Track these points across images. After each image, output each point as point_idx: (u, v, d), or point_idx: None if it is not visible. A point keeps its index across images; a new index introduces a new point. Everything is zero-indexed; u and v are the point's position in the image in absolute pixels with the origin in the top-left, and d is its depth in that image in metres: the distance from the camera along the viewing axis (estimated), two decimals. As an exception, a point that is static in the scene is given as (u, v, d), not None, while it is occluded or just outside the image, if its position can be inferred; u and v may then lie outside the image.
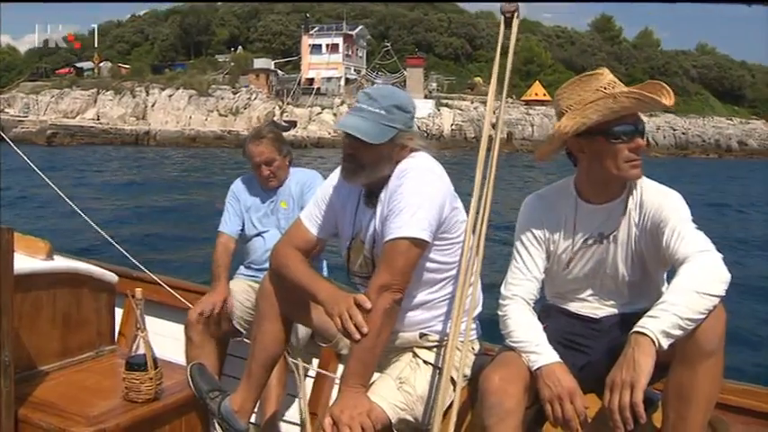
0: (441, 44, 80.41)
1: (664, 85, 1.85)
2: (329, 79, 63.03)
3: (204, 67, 66.52)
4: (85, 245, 7.88)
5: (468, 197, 2.01)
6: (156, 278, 3.36)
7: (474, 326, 2.13)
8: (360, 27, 70.02)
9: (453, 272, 2.04)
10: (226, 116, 57.28)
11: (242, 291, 2.97)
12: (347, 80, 64.24)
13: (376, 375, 2.03)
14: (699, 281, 1.64)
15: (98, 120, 55.44)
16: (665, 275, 2.00)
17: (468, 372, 2.09)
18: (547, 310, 2.10)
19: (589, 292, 2.03)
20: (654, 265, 1.93)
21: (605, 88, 1.86)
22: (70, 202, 3.64)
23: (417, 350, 2.08)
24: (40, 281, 2.39)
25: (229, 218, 3.11)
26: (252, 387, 2.18)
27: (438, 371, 2.02)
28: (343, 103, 57.52)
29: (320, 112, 58.24)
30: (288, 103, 58.49)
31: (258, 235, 3.07)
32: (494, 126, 2.02)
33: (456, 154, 36.29)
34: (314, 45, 65.79)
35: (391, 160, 1.99)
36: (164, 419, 2.27)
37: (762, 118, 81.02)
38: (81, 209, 3.70)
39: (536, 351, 1.84)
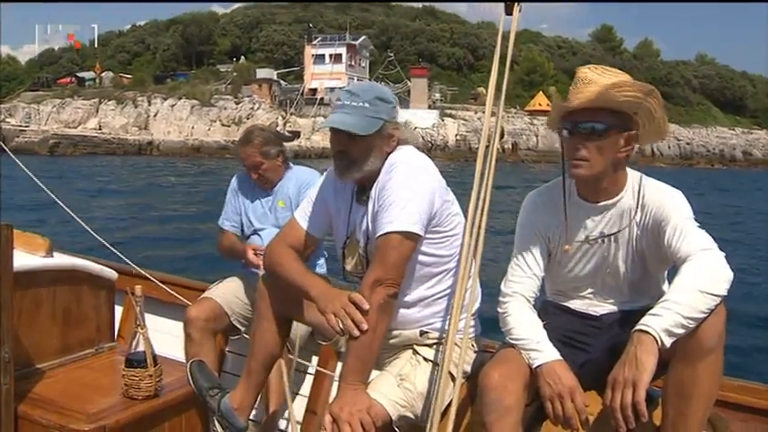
0: (443, 54, 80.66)
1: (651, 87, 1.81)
2: (332, 89, 63.13)
3: (206, 77, 66.54)
4: (82, 248, 7.89)
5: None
6: (155, 275, 3.37)
7: (473, 323, 2.12)
8: (363, 37, 70.12)
9: (450, 265, 2.04)
10: (229, 126, 57.01)
11: (240, 288, 2.97)
12: (351, 90, 64.16)
13: (376, 373, 2.03)
14: (702, 280, 1.63)
15: (100, 129, 55.42)
16: (665, 273, 2.00)
17: (467, 368, 2.09)
18: (545, 307, 2.10)
19: (590, 290, 2.02)
20: (655, 263, 1.93)
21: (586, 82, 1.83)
22: (68, 210, 3.63)
23: (417, 347, 2.08)
24: (40, 278, 2.39)
25: (230, 215, 3.13)
26: (251, 385, 2.19)
27: (438, 368, 2.02)
28: (346, 113, 57.37)
29: (324, 123, 58.12)
30: (291, 114, 58.42)
31: (255, 233, 3.07)
32: (493, 114, 2.02)
33: (462, 166, 36.01)
34: (317, 55, 65.82)
35: (381, 151, 2.01)
36: (163, 416, 2.27)
37: (764, 128, 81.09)
38: (82, 217, 3.70)
39: (537, 348, 1.84)
